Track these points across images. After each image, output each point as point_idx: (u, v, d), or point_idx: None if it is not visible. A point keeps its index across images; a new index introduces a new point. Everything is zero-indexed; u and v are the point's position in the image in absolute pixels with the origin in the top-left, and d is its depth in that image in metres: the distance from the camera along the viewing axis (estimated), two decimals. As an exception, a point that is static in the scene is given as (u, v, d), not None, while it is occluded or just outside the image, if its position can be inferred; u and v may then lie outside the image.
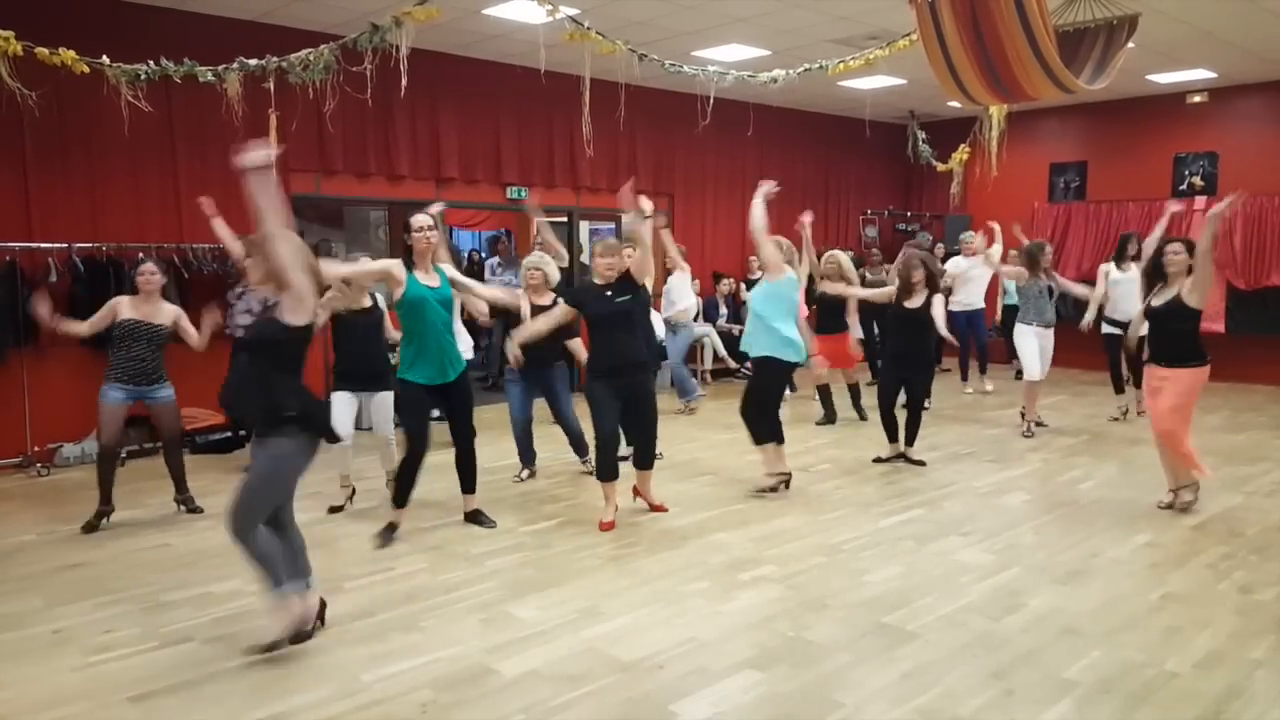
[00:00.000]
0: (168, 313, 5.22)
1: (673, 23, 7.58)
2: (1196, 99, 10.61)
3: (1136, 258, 7.76)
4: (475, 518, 5.13)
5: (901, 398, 6.63)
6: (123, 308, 5.11)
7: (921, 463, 6.53)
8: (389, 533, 4.84)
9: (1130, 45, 5.81)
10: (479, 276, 9.55)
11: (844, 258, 7.61)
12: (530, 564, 4.52)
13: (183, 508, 5.40)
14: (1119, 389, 8.23)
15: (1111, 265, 7.96)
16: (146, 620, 3.85)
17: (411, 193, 8.57)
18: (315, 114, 7.18)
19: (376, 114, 7.78)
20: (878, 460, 6.56)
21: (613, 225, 11.89)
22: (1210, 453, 6.80)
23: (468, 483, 5.12)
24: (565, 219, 10.19)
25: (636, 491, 5.40)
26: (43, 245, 6.47)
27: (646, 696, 3.19)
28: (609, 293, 5.01)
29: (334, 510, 5.36)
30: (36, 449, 6.48)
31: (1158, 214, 10.56)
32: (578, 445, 6.22)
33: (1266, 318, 10.07)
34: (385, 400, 5.38)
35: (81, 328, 5.05)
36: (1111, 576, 4.35)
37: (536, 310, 5.75)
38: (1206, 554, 4.65)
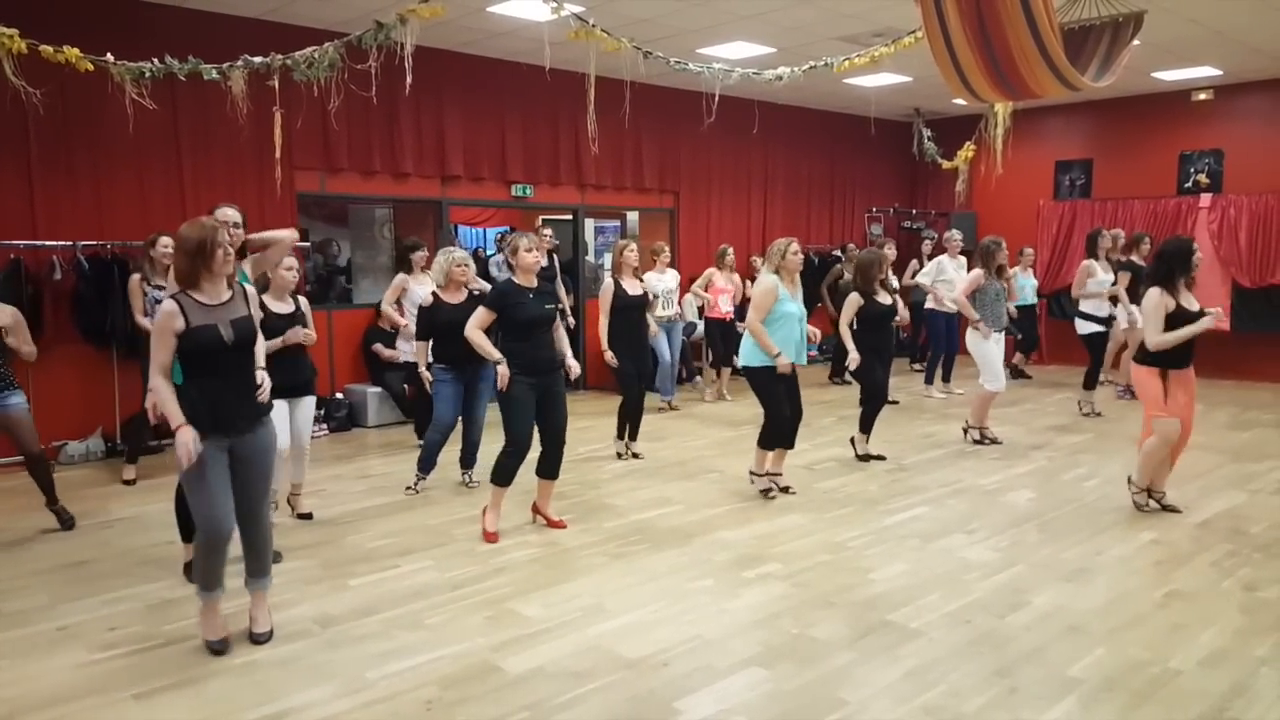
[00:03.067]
0: (3, 311, 4.84)
1: (678, 20, 7.57)
2: (1202, 96, 10.57)
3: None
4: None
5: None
6: None
7: (882, 457, 6.59)
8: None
9: (1136, 42, 5.78)
10: (484, 275, 9.55)
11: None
12: (536, 561, 4.53)
13: (57, 520, 5.06)
14: (1094, 385, 8.24)
15: (1095, 263, 7.96)
16: (151, 618, 3.86)
17: (416, 190, 8.59)
18: (320, 112, 7.16)
19: (381, 112, 7.78)
20: (867, 458, 6.52)
21: (618, 223, 11.93)
22: (1215, 450, 6.82)
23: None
24: (570, 217, 10.20)
25: (535, 509, 5.10)
26: (48, 243, 6.48)
27: (651, 694, 3.19)
28: (532, 295, 4.75)
29: None
30: (41, 447, 6.48)
31: (1163, 211, 10.69)
32: (471, 455, 5.89)
33: (1271, 315, 10.05)
34: (308, 406, 5.09)
35: None
36: (1116, 574, 4.35)
37: (450, 307, 5.54)
38: (1211, 552, 4.64)
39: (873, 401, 6.54)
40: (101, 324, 6.61)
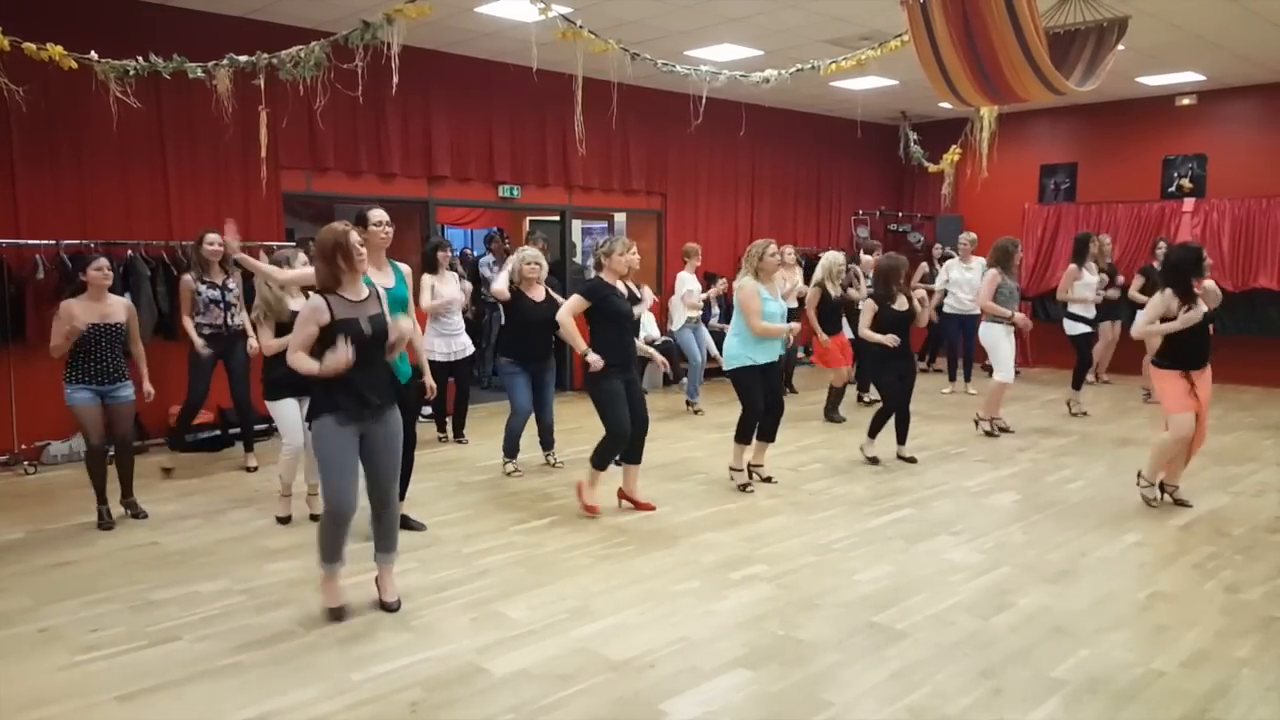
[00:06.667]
0: (120, 307, 5.11)
1: (665, 22, 7.58)
2: (1185, 101, 10.66)
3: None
4: (404, 522, 4.74)
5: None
6: (76, 312, 4.91)
7: (914, 459, 6.59)
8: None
9: (1120, 47, 5.83)
10: (474, 276, 9.54)
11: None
12: (522, 563, 4.52)
13: (128, 512, 5.20)
14: (1079, 385, 8.44)
15: (1077, 267, 8.19)
16: (134, 619, 3.83)
17: (403, 191, 8.56)
18: (306, 111, 7.11)
19: (368, 111, 7.76)
20: (874, 460, 6.53)
21: (605, 224, 11.92)
22: (1198, 453, 6.85)
23: (404, 487, 4.74)
24: (558, 218, 10.20)
25: (622, 494, 5.43)
26: (30, 242, 6.42)
27: (637, 695, 3.19)
28: (625, 292, 5.25)
29: (282, 521, 5.11)
30: (24, 447, 6.44)
31: (1147, 215, 10.78)
32: (550, 438, 6.44)
33: (1254, 319, 10.14)
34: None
35: (61, 348, 4.91)
36: (1100, 576, 4.38)
37: (529, 303, 5.98)
38: (1194, 554, 4.68)
39: (887, 406, 6.55)
40: (84, 324, 6.55)
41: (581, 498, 5.29)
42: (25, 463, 6.35)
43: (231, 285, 6.19)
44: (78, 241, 6.60)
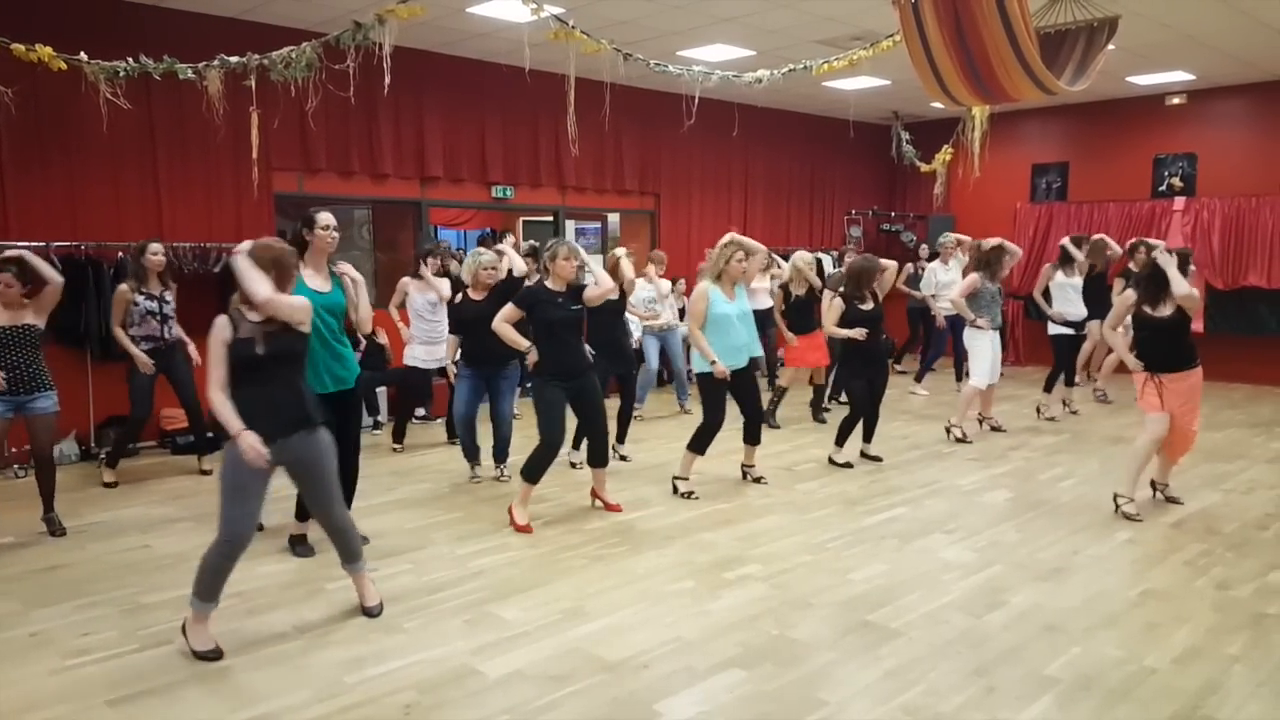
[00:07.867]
0: (34, 313, 4.96)
1: (658, 22, 7.58)
2: (1175, 101, 10.71)
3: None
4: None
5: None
6: None
7: (879, 458, 6.58)
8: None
9: (1110, 47, 5.85)
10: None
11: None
12: (515, 564, 4.51)
13: (48, 528, 4.97)
14: (1069, 383, 8.40)
15: (1054, 268, 8.22)
16: (125, 623, 3.81)
17: (396, 191, 8.55)
18: (298, 112, 7.13)
19: (360, 112, 7.74)
20: (846, 465, 6.43)
21: (599, 225, 11.92)
22: (1188, 453, 6.89)
23: (349, 497, 4.50)
24: (551, 219, 10.19)
25: (594, 494, 5.42)
26: (19, 244, 6.37)
27: (631, 696, 3.19)
28: (560, 299, 5.00)
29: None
30: (14, 450, 6.40)
31: (1138, 214, 10.82)
32: (502, 450, 6.10)
33: (1244, 317, 10.19)
34: None
35: None
36: (1092, 573, 4.39)
37: (470, 303, 5.87)
38: (1185, 551, 4.70)
39: (854, 413, 6.48)
40: (75, 325, 6.53)
41: (512, 516, 5.06)
42: (16, 466, 6.32)
43: (169, 298, 5.93)
44: (68, 243, 6.58)
